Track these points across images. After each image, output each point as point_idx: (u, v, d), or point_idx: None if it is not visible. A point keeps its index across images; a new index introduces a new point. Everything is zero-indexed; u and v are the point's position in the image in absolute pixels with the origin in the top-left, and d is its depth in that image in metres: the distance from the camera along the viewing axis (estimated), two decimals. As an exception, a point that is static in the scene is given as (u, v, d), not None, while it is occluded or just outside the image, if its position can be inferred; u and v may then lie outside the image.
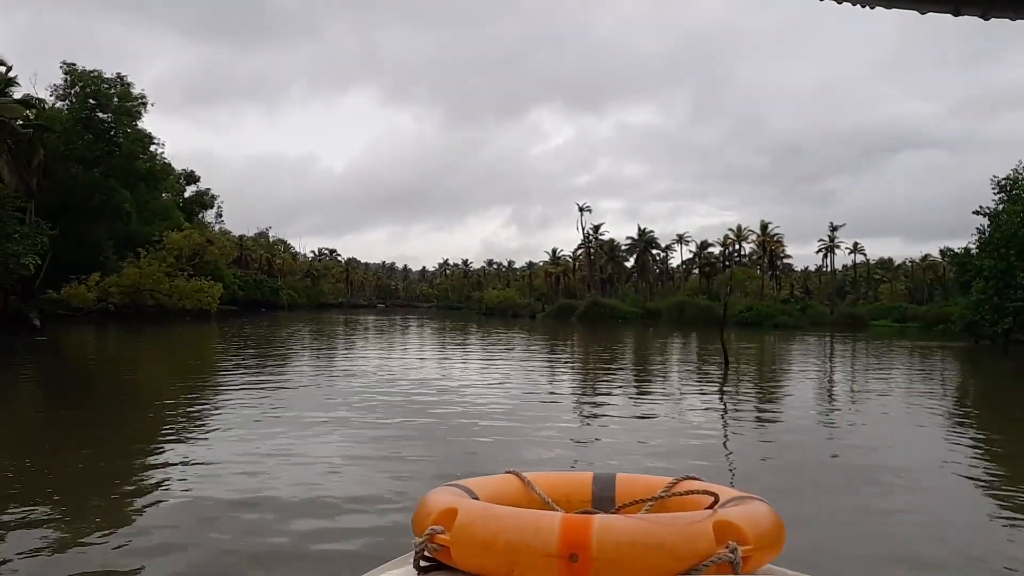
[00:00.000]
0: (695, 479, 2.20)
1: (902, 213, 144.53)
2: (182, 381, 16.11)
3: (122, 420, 10.51)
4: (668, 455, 8.41)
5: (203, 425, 9.93)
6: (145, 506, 6.02)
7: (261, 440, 8.56)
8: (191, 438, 9.09)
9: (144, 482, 6.88)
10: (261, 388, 13.84)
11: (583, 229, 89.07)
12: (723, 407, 13.12)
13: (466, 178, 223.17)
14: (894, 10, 1.24)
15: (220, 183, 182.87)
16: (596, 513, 2.07)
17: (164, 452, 8.22)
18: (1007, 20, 1.19)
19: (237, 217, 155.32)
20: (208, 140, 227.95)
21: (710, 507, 1.96)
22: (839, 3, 1.25)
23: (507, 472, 2.35)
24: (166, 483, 6.74)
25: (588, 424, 10.99)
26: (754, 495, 2.04)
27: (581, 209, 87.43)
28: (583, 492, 2.34)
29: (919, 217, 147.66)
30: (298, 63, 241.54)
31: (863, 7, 1.24)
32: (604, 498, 2.32)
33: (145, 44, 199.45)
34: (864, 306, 77.54)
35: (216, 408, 11.56)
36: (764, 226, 79.08)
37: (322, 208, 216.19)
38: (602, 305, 67.36)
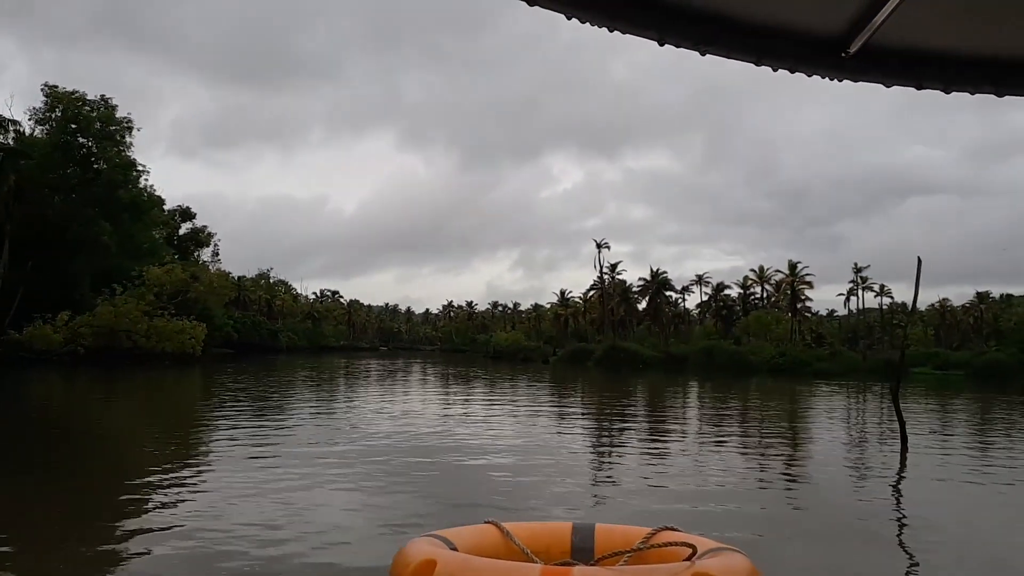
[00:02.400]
0: (674, 530, 2.28)
1: (909, 258, 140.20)
2: (149, 445, 12.97)
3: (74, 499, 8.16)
4: None
5: (177, 487, 8.65)
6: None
7: (243, 494, 7.95)
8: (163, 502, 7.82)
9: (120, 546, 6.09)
10: (247, 443, 12.26)
11: (600, 267, 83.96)
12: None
13: (475, 221, 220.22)
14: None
15: (230, 225, 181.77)
16: (575, 565, 2.13)
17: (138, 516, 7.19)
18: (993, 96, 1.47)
19: (245, 259, 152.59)
20: (222, 182, 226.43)
21: (688, 559, 2.02)
22: (832, 80, 1.47)
23: (486, 522, 2.43)
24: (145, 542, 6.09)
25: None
26: (732, 547, 2.08)
27: (599, 245, 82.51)
28: (562, 542, 2.38)
29: (926, 262, 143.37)
30: (318, 106, 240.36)
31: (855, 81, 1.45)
32: (583, 549, 2.35)
33: (167, 85, 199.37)
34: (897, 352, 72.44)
35: (194, 467, 10.24)
36: (793, 266, 74.42)
37: (330, 250, 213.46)
38: (621, 350, 62.36)
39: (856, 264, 79.49)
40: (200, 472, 9.62)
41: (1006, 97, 1.57)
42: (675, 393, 31.44)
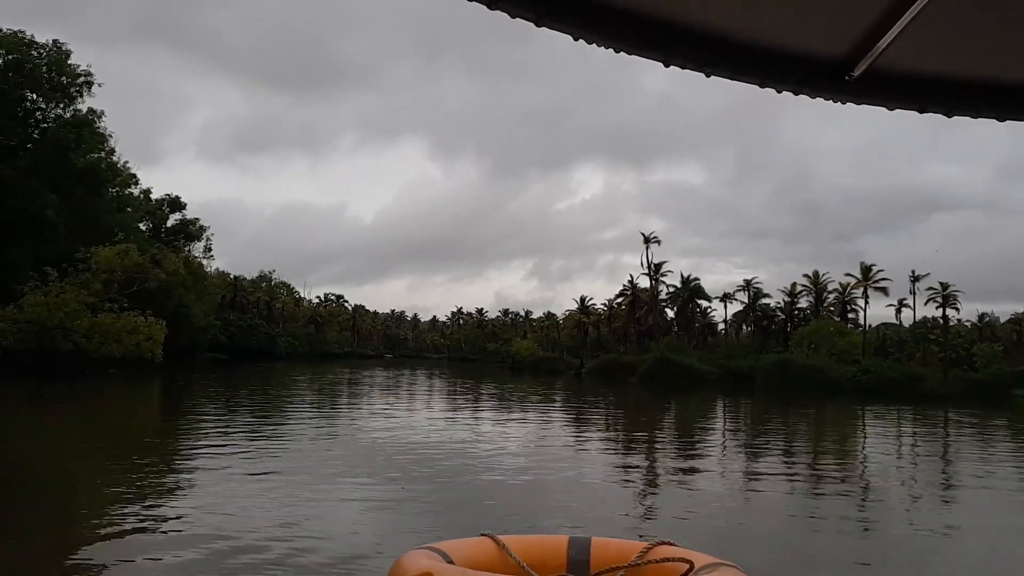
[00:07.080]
0: (670, 544, 2.20)
1: (931, 275, 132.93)
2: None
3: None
4: None
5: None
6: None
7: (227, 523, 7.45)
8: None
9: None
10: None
11: (650, 263, 73.52)
12: None
13: (495, 231, 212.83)
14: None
15: (248, 232, 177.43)
16: None
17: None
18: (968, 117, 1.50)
19: (259, 265, 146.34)
20: (247, 187, 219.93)
21: (685, 574, 2.01)
22: (835, 103, 1.49)
23: (482, 535, 2.32)
24: None
25: None
26: (729, 562, 2.03)
27: (647, 240, 71.83)
28: (558, 556, 2.32)
29: (948, 279, 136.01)
30: (352, 113, 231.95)
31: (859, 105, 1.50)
32: (579, 562, 2.30)
33: (202, 89, 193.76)
34: (989, 371, 63.15)
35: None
36: (866, 269, 64.71)
37: (346, 258, 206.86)
38: (672, 363, 53.29)
39: (913, 271, 69.60)
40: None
41: (1007, 122, 1.57)
42: (780, 426, 22.62)
